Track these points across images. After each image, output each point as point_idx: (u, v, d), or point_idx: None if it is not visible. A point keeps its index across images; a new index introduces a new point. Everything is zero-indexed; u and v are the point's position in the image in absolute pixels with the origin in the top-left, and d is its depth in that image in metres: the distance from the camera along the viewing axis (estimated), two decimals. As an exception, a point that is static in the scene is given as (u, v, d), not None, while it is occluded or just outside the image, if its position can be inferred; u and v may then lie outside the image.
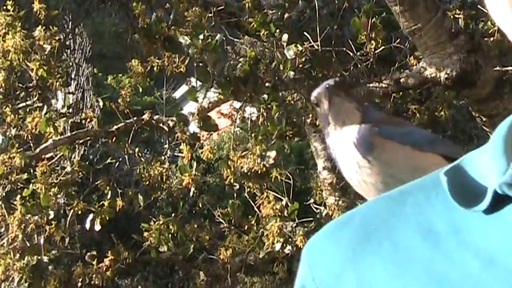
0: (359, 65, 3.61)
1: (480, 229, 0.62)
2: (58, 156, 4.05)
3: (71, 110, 3.98)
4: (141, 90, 4.30)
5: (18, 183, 3.90)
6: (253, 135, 3.79)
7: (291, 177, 3.81)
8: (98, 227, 3.86)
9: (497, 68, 3.27)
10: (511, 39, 0.61)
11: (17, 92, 4.07)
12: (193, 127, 3.99)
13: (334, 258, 0.67)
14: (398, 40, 3.51)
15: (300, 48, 3.51)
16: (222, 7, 3.86)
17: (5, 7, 3.79)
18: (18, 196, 3.83)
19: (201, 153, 4.08)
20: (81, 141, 4.05)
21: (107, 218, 3.91)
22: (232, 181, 3.73)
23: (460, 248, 0.61)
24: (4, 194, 3.98)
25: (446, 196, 0.64)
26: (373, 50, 3.40)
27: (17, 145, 3.90)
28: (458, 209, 0.63)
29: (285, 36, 3.55)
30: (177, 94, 9.37)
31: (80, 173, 4.14)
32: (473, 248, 0.61)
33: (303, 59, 3.54)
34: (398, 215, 0.67)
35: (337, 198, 3.77)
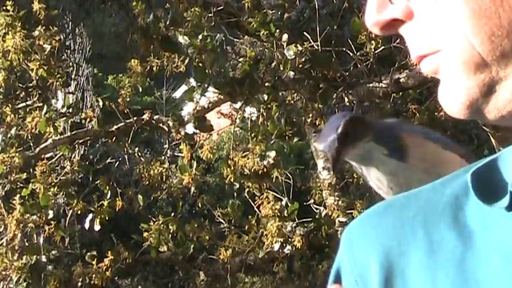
0: (359, 65, 3.61)
1: (503, 226, 0.62)
2: (58, 156, 4.05)
3: (70, 110, 3.98)
4: (141, 90, 4.30)
5: (18, 183, 3.90)
6: (253, 135, 3.79)
7: (290, 177, 3.81)
8: (97, 227, 3.86)
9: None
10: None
11: (17, 92, 4.07)
12: (193, 128, 3.99)
13: (370, 242, 0.69)
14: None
15: (300, 48, 3.51)
16: (222, 7, 3.86)
17: (4, 7, 3.79)
18: (18, 195, 3.83)
19: (201, 153, 4.09)
20: (81, 141, 4.05)
21: (107, 218, 3.91)
22: (232, 181, 3.73)
23: (489, 247, 0.62)
24: (3, 193, 3.98)
25: None
26: (373, 50, 3.40)
27: (16, 145, 3.90)
28: (488, 207, 0.64)
29: (285, 36, 3.55)
30: (177, 94, 9.37)
31: (80, 173, 4.14)
32: (498, 246, 0.62)
33: (303, 59, 3.54)
34: (436, 205, 0.68)
35: (337, 198, 3.77)
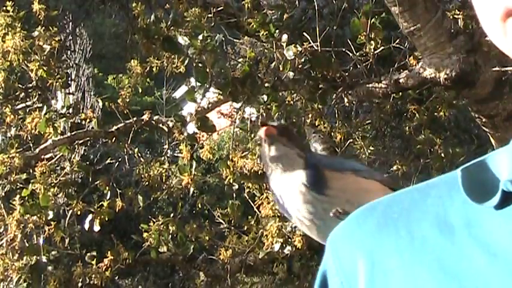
0: (358, 66, 3.61)
1: (490, 224, 0.63)
2: (58, 156, 4.05)
3: (70, 111, 3.98)
4: (140, 90, 4.30)
5: (18, 183, 3.90)
6: (252, 135, 3.79)
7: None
8: (97, 228, 3.86)
9: (497, 68, 3.27)
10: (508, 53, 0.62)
11: (17, 93, 4.07)
12: (193, 127, 3.99)
13: (354, 243, 0.70)
14: (398, 40, 3.51)
15: (300, 48, 3.51)
16: (222, 7, 3.86)
17: (4, 8, 3.79)
18: (18, 196, 3.83)
19: (201, 153, 4.08)
20: (80, 141, 4.05)
21: (107, 219, 3.91)
22: (231, 181, 3.73)
23: (470, 241, 0.63)
24: (3, 194, 3.98)
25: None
26: (372, 50, 3.40)
27: (16, 145, 3.90)
28: (474, 203, 0.64)
29: (285, 37, 3.55)
30: (177, 94, 9.37)
31: (80, 174, 4.14)
32: (482, 242, 0.62)
33: (303, 60, 3.54)
34: (420, 205, 0.69)
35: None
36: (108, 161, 4.59)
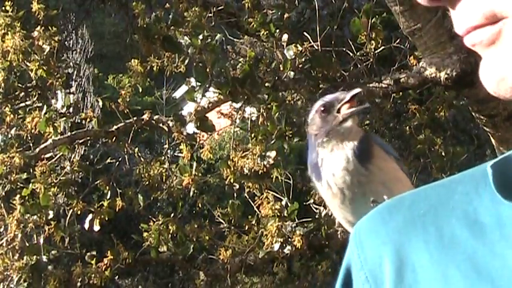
0: (359, 65, 3.61)
1: None
2: (58, 156, 4.05)
3: (70, 110, 3.98)
4: (141, 90, 4.30)
5: (18, 183, 3.90)
6: (253, 135, 3.79)
7: (290, 177, 3.80)
8: (97, 227, 3.86)
9: (497, 68, 3.26)
10: None
11: (17, 92, 4.07)
12: (193, 127, 3.99)
13: (380, 239, 0.69)
14: (399, 40, 3.51)
15: (300, 48, 3.51)
16: (222, 7, 3.86)
17: (3, 8, 3.79)
18: (18, 196, 3.83)
19: (201, 153, 4.08)
20: (81, 141, 4.05)
21: (107, 218, 3.91)
22: (232, 181, 3.72)
23: (503, 240, 0.62)
24: (4, 193, 3.97)
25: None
26: (373, 50, 3.40)
27: (16, 145, 3.89)
28: (504, 201, 0.63)
29: (285, 36, 3.55)
30: (177, 94, 9.37)
31: (80, 173, 4.13)
32: None
33: (303, 59, 3.53)
34: (447, 202, 0.68)
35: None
36: (108, 161, 4.59)
